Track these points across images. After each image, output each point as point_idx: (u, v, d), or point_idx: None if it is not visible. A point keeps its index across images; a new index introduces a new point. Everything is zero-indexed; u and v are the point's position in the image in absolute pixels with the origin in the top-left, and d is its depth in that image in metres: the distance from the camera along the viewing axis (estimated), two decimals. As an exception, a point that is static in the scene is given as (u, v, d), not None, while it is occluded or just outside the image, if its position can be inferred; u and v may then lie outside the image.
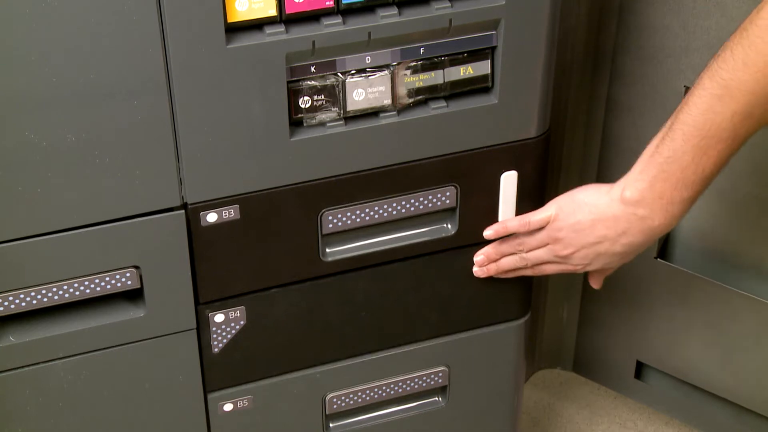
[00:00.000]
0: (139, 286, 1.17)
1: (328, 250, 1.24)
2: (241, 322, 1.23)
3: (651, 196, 1.14)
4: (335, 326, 1.29)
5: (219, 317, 1.22)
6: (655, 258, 1.63)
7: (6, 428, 1.21)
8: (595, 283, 1.32)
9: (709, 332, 1.63)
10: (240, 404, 1.29)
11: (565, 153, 1.67)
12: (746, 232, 1.55)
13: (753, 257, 1.56)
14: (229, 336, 1.23)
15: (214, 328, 1.22)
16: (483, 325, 1.37)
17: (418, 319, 1.33)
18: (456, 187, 1.24)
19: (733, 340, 1.61)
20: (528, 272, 1.29)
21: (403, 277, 1.29)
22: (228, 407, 1.29)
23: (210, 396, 1.27)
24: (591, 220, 1.20)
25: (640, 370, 1.77)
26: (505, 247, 1.28)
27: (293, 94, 1.13)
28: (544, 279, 1.78)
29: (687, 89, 1.47)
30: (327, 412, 1.35)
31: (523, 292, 1.37)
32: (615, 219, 1.18)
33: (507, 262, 1.29)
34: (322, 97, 1.14)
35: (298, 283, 1.24)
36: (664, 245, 1.64)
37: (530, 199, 1.28)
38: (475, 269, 1.31)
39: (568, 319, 1.82)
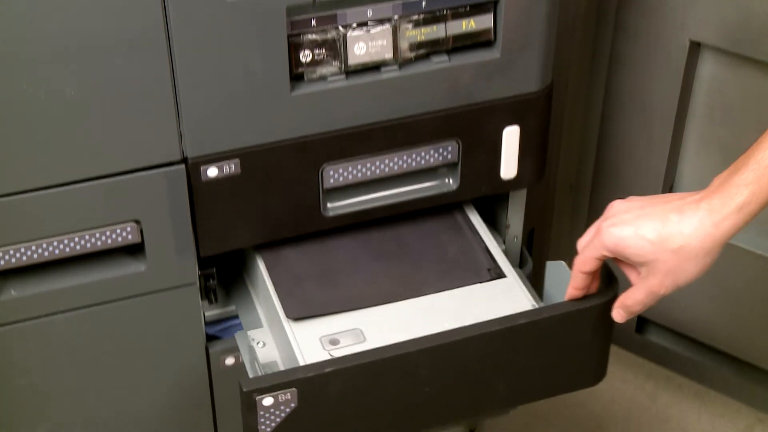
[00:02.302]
0: (139, 241, 1.17)
1: (329, 204, 1.24)
2: (292, 405, 1.09)
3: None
4: (394, 405, 1.15)
5: (268, 401, 1.08)
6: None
7: (8, 381, 1.21)
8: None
9: (711, 287, 1.63)
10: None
11: (568, 108, 1.66)
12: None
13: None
14: (278, 420, 1.10)
15: (261, 412, 1.09)
16: (554, 395, 1.24)
17: (486, 392, 1.19)
18: (458, 141, 1.24)
19: (735, 295, 1.61)
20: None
21: (473, 350, 1.14)
22: (230, 361, 1.30)
23: (212, 350, 1.28)
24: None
25: (641, 325, 1.77)
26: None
27: (294, 48, 1.12)
28: (547, 236, 1.78)
29: (692, 43, 1.46)
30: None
31: (602, 359, 1.23)
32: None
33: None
34: (323, 50, 1.13)
35: (355, 359, 1.11)
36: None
37: (532, 154, 1.27)
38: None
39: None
